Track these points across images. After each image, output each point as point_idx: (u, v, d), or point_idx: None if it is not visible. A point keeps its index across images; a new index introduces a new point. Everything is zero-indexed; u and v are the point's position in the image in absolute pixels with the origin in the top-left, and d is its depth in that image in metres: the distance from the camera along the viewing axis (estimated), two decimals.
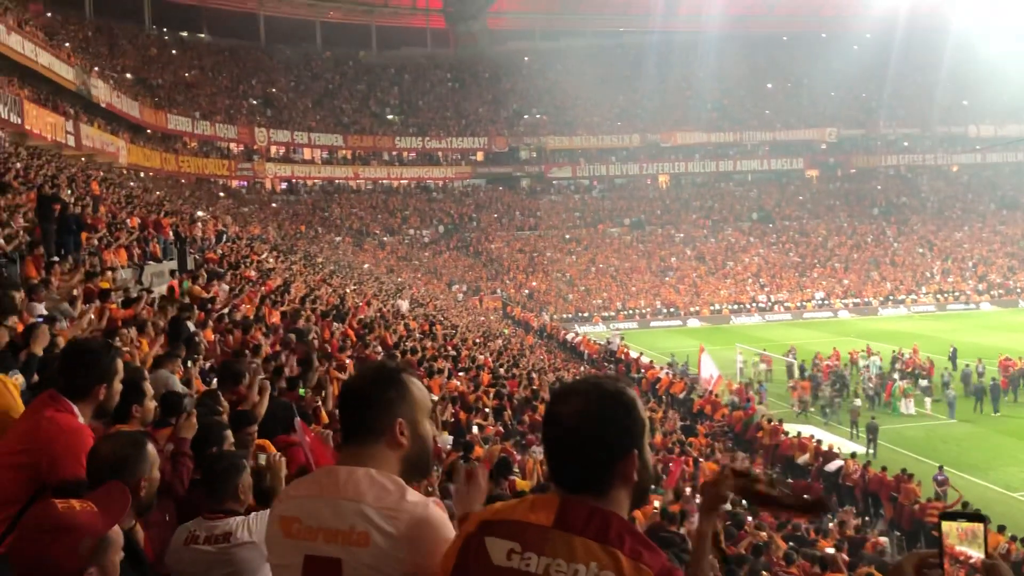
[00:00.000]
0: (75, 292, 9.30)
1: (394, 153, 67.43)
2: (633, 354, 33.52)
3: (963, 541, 1.71)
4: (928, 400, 27.50)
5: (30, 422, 3.17)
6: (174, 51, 62.34)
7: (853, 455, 19.94)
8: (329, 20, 73.31)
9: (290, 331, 12.19)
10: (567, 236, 62.15)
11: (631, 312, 52.44)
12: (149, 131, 49.73)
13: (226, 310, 12.67)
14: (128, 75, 51.83)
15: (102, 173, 29.08)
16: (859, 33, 75.98)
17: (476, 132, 70.38)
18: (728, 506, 12.19)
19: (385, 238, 58.39)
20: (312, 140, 63.96)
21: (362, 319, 19.15)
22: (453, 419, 12.50)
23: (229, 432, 4.31)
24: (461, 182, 68.03)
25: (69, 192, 17.89)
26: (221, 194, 52.30)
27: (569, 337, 39.98)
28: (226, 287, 15.24)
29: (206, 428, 4.11)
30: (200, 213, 30.28)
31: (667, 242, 62.26)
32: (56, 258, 11.73)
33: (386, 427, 1.99)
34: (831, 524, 14.81)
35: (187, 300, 11.81)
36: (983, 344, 34.77)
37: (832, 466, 18.95)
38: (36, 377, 5.23)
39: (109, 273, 12.02)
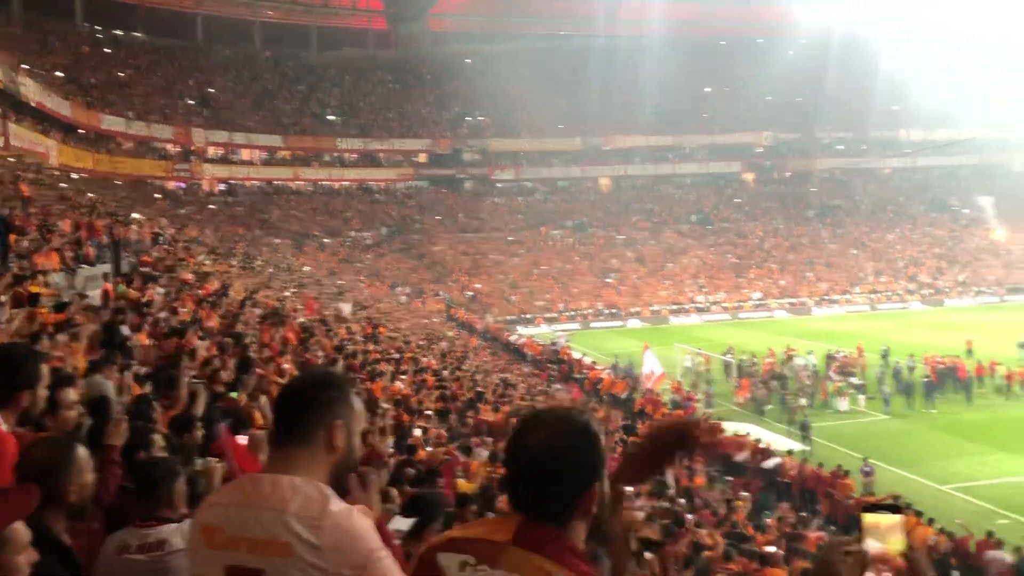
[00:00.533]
0: (2, 297, 9.01)
1: (335, 154, 66.81)
2: (576, 355, 33.74)
3: (883, 535, 1.76)
4: (862, 397, 28.25)
5: None
6: (107, 49, 60.86)
7: (790, 452, 20.36)
8: (268, 20, 72.36)
9: (227, 335, 11.98)
10: (510, 238, 62.29)
11: (573, 313, 52.78)
12: (82, 131, 48.42)
13: (162, 314, 12.40)
14: (59, 73, 50.36)
15: (32, 174, 28.21)
16: (794, 39, 77.69)
17: (419, 134, 70.16)
18: (667, 503, 12.34)
19: (326, 240, 57.76)
20: (251, 141, 63.03)
21: (303, 322, 18.93)
22: (395, 422, 12.41)
23: (158, 437, 4.23)
24: (404, 184, 67.71)
25: None
26: (157, 196, 51.18)
27: (512, 339, 40.08)
28: (162, 291, 14.92)
29: (135, 433, 4.02)
30: (135, 215, 29.56)
31: (608, 244, 62.83)
32: None
33: (323, 430, 1.96)
34: (768, 520, 15.12)
35: (122, 304, 11.53)
36: (913, 342, 35.81)
37: (770, 463, 19.34)
38: None
39: (40, 277, 11.68)
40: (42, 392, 3.26)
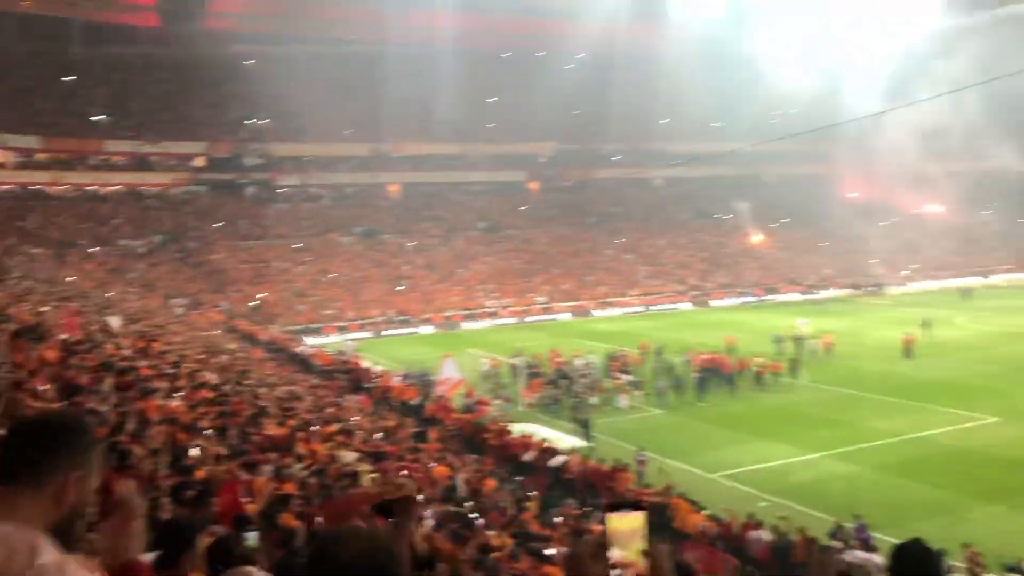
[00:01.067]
0: None
1: (102, 157, 62.08)
2: (366, 364, 33.35)
3: (625, 542, 1.84)
4: (638, 393, 29.95)
5: None
6: None
7: (574, 449, 21.19)
8: (23, 11, 65.74)
9: None
10: (296, 245, 60.62)
11: (364, 321, 52.15)
12: None
13: None
14: None
15: None
16: (573, 53, 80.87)
17: (196, 136, 66.77)
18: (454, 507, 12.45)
19: (92, 250, 53.49)
20: (2, 142, 57.22)
21: (65, 339, 17.36)
22: (170, 441, 11.66)
23: None
24: (180, 189, 64.13)
25: None
26: None
27: (300, 349, 38.93)
28: None
29: None
30: None
31: (399, 251, 62.73)
32: None
33: (56, 479, 1.78)
34: (556, 519, 15.60)
35: None
36: (684, 340, 38.53)
37: (555, 461, 20.01)
38: None
39: None
40: None
